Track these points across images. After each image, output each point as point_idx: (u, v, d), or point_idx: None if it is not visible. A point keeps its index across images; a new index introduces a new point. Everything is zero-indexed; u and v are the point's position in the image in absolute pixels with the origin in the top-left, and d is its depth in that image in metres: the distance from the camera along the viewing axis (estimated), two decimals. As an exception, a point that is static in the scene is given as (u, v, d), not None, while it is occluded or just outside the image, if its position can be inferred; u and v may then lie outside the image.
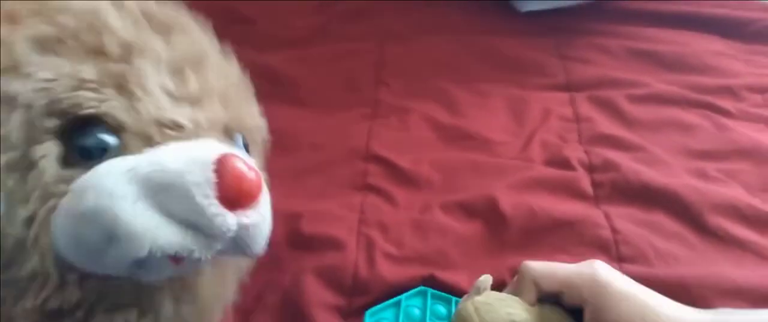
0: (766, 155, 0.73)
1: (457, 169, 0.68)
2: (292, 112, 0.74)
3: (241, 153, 0.33)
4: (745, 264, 0.57)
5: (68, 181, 0.31)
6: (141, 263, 0.31)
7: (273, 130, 0.48)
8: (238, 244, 0.33)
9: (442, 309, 0.52)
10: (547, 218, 0.61)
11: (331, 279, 0.53)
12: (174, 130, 0.33)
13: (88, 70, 0.32)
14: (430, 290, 0.53)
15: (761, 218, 0.62)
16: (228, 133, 0.38)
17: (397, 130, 0.74)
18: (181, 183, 0.30)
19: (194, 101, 0.35)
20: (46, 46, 0.32)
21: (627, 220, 0.62)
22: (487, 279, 0.45)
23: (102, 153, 0.31)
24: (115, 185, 0.30)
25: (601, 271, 0.44)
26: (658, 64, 0.88)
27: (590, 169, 0.70)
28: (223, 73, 0.40)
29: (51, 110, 0.31)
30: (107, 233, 0.29)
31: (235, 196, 0.31)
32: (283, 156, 0.50)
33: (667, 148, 0.74)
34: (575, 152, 0.72)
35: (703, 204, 0.62)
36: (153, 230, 0.30)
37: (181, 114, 0.34)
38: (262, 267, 0.52)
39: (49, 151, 0.31)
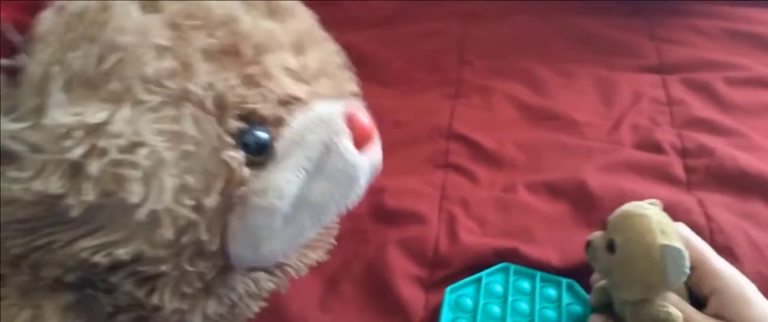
0: None
1: (542, 149, 0.67)
2: (376, 91, 0.74)
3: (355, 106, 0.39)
4: None
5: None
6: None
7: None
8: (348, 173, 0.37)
9: (525, 285, 0.51)
10: (637, 200, 0.59)
11: (414, 251, 0.53)
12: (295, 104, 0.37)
13: (232, 76, 0.35)
14: (512, 266, 0.52)
15: None
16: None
17: (481, 109, 0.74)
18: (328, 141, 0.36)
19: (314, 76, 0.39)
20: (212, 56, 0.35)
21: (722, 207, 0.59)
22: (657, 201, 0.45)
23: (259, 148, 0.35)
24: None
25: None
26: (757, 46, 0.83)
27: (683, 153, 0.67)
28: (328, 47, 0.43)
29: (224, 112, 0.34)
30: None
31: (363, 140, 0.38)
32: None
33: (767, 133, 0.70)
34: (667, 136, 0.69)
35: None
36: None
37: (302, 90, 0.38)
38: (346, 238, 0.54)
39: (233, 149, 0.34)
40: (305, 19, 0.42)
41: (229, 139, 0.34)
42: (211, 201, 0.33)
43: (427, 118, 0.71)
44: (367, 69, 0.80)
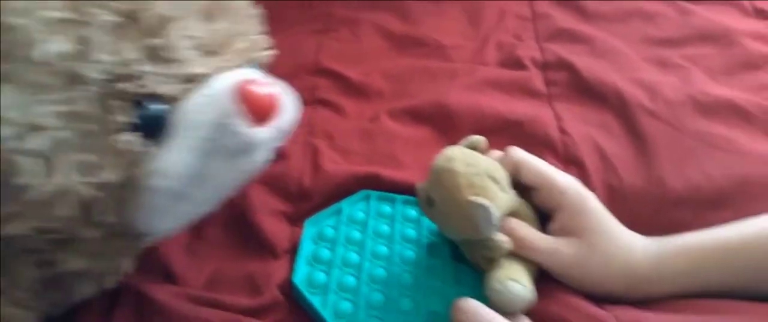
0: (731, 38, 0.72)
1: (407, 77, 0.68)
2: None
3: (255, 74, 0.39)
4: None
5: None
6: None
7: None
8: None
9: (387, 208, 0.52)
10: (496, 117, 0.61)
11: (277, 187, 0.54)
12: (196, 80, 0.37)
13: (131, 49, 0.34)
14: (373, 193, 0.53)
15: (712, 107, 0.61)
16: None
17: (348, 42, 0.74)
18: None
19: (223, 44, 0.39)
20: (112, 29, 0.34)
21: (577, 120, 0.62)
22: (480, 139, 0.46)
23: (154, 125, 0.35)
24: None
25: (581, 184, 0.45)
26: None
27: (544, 67, 0.70)
28: (240, 7, 0.44)
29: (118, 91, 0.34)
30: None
31: (262, 113, 0.38)
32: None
33: (627, 39, 0.73)
34: (529, 52, 0.72)
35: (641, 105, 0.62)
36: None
37: (205, 64, 0.38)
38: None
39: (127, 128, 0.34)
40: None
41: (123, 118, 0.34)
42: (109, 177, 0.34)
43: (294, 55, 0.71)
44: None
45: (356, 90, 0.66)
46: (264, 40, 0.45)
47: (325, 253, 0.49)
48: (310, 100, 0.65)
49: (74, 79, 0.32)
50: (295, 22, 0.77)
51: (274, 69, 0.69)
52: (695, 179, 0.53)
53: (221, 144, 0.37)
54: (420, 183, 0.46)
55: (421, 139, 0.60)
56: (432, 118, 0.62)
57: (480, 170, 0.42)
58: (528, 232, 0.44)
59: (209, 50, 0.39)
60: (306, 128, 0.61)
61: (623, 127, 0.60)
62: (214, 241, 0.50)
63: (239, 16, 0.43)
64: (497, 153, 0.47)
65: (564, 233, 0.44)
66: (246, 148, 0.38)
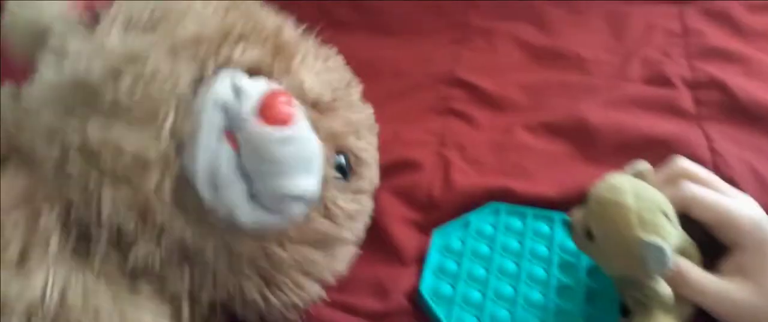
0: None
1: (544, 90, 0.66)
2: (376, 41, 0.75)
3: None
4: None
5: None
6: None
7: (356, 60, 0.51)
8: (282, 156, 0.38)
9: (516, 223, 0.51)
10: (638, 134, 0.58)
11: (408, 196, 0.54)
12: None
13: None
14: (503, 206, 0.53)
15: None
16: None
17: (485, 53, 0.73)
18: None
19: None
20: None
21: (729, 141, 0.57)
22: (647, 166, 0.42)
23: None
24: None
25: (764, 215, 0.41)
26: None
27: (693, 86, 0.65)
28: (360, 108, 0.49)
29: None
30: None
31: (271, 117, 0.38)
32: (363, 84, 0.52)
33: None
34: (678, 69, 0.67)
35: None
36: None
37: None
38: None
39: None
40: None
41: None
42: None
43: (429, 65, 0.71)
44: (370, 17, 0.81)
45: (490, 101, 0.66)
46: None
47: (452, 265, 0.49)
48: (443, 111, 0.65)
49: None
50: (431, 30, 0.77)
51: (408, 78, 0.70)
52: None
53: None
54: (574, 212, 0.43)
55: (556, 154, 0.58)
56: (569, 134, 0.60)
57: (652, 204, 0.38)
58: (698, 274, 0.40)
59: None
60: (438, 138, 0.61)
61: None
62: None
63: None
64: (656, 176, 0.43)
65: (738, 273, 0.40)
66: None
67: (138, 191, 0.37)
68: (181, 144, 0.37)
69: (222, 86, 0.39)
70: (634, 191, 0.39)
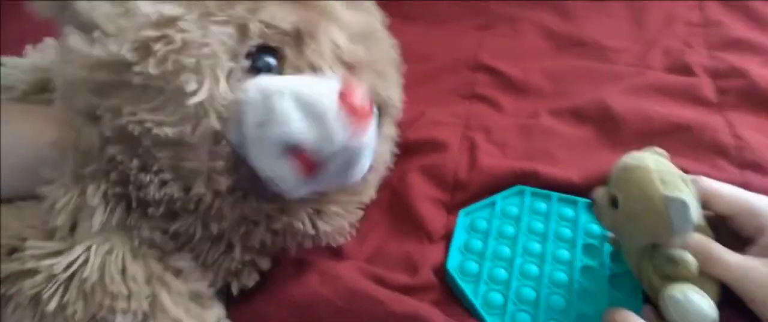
0: None
1: (568, 76, 0.67)
2: (401, 27, 0.75)
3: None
4: None
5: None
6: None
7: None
8: (346, 157, 0.39)
9: (541, 206, 0.52)
10: (662, 121, 0.59)
11: (435, 176, 0.55)
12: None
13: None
14: (528, 189, 0.54)
15: None
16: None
17: (508, 39, 0.74)
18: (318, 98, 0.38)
19: (351, 66, 0.42)
20: None
21: (752, 128, 0.58)
22: (661, 151, 0.42)
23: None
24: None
25: None
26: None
27: (715, 75, 0.66)
28: (385, 48, 0.48)
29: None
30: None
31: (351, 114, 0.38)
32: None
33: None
34: (699, 58, 0.68)
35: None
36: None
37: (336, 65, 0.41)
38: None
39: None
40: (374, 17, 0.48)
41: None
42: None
43: (454, 50, 0.72)
44: (395, 6, 0.81)
45: (515, 87, 0.67)
46: (397, 90, 0.48)
47: (478, 244, 0.50)
48: (468, 95, 0.66)
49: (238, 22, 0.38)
50: (456, 17, 0.78)
51: (432, 63, 0.71)
52: None
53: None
54: (597, 189, 0.43)
55: (581, 139, 0.59)
56: (593, 119, 0.61)
57: (673, 170, 0.40)
58: (720, 248, 0.41)
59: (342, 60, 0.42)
60: (463, 120, 0.62)
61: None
62: (376, 222, 0.53)
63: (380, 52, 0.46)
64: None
65: (763, 255, 0.40)
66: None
67: (183, 166, 0.38)
68: (227, 118, 0.38)
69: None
70: (655, 159, 0.41)
